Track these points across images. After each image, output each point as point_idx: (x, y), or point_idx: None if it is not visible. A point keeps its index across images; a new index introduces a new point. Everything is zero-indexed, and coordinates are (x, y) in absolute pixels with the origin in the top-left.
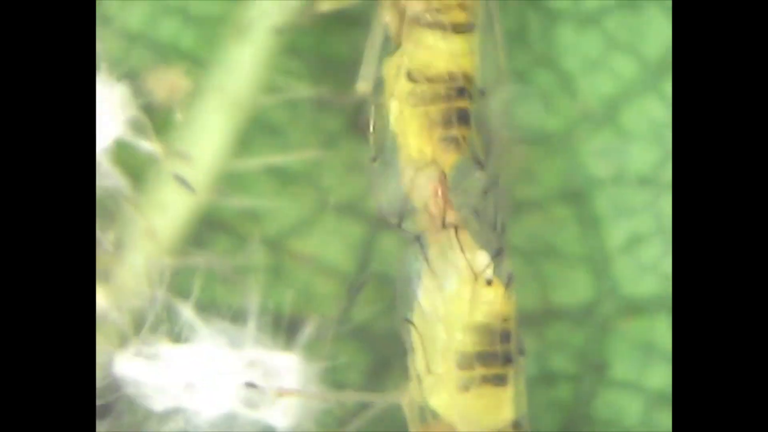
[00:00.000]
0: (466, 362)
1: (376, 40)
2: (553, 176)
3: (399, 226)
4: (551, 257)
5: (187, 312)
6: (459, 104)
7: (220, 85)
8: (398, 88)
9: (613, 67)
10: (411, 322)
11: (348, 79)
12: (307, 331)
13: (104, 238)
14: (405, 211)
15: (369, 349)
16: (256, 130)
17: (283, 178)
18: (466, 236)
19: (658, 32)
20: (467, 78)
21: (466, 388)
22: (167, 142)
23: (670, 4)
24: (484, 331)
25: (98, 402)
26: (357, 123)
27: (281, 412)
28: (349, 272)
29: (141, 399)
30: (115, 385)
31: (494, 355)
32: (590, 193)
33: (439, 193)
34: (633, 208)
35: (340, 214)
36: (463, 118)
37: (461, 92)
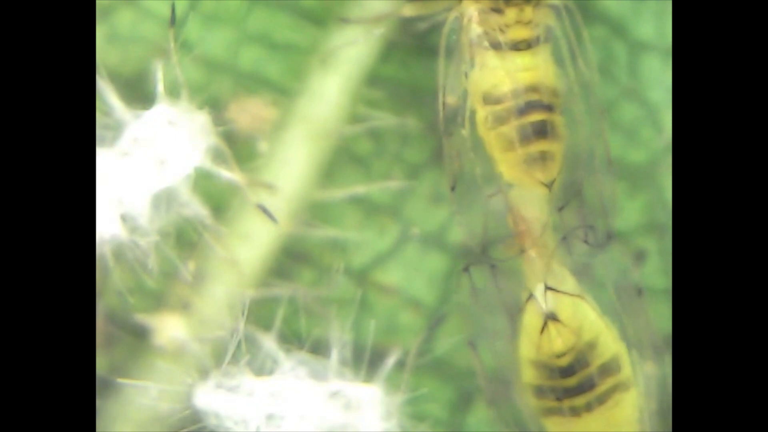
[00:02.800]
0: (538, 393)
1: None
2: (637, 209)
3: (483, 253)
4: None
5: (269, 343)
6: (532, 118)
7: (304, 114)
8: (479, 112)
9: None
10: (474, 347)
11: (431, 108)
12: (389, 362)
13: (184, 269)
14: (488, 238)
15: (450, 381)
16: (339, 160)
17: (366, 208)
18: (541, 263)
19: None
20: (535, 91)
21: (545, 416)
22: (250, 172)
23: None
24: (544, 367)
25: None
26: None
27: None
28: (432, 304)
29: (222, 431)
30: (196, 417)
31: (561, 389)
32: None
33: (518, 218)
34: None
35: (423, 245)
36: (540, 131)
37: (532, 106)
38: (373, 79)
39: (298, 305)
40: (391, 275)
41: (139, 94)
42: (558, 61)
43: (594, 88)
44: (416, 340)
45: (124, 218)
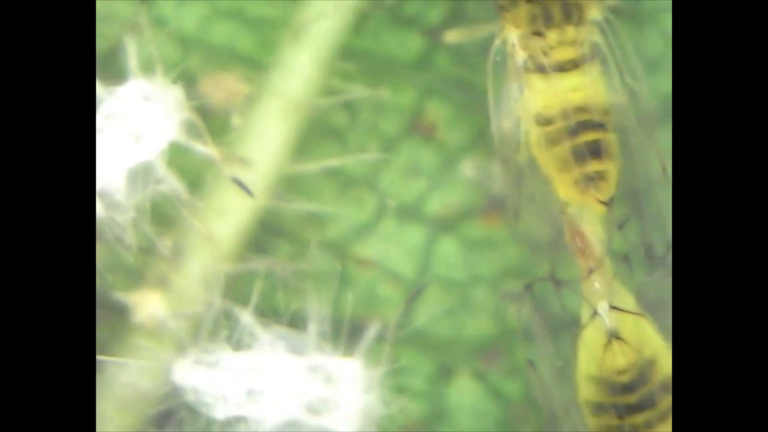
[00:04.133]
0: (598, 411)
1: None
2: None
3: (549, 274)
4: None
5: (246, 318)
6: (585, 138)
7: (278, 88)
8: (532, 133)
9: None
10: (533, 365)
11: (403, 80)
12: (369, 335)
13: (161, 245)
14: (554, 257)
15: (430, 353)
16: (314, 133)
17: (342, 181)
18: (603, 282)
19: None
20: (585, 111)
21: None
22: (225, 147)
23: None
24: (605, 383)
25: (158, 410)
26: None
27: (344, 419)
28: (410, 276)
29: (202, 407)
30: (175, 394)
31: (623, 406)
32: None
33: (578, 237)
34: None
35: (400, 217)
36: (595, 150)
37: (583, 126)
38: (345, 51)
39: (276, 279)
40: (369, 248)
41: (113, 70)
42: (607, 76)
43: (643, 99)
44: (396, 312)
45: (101, 195)
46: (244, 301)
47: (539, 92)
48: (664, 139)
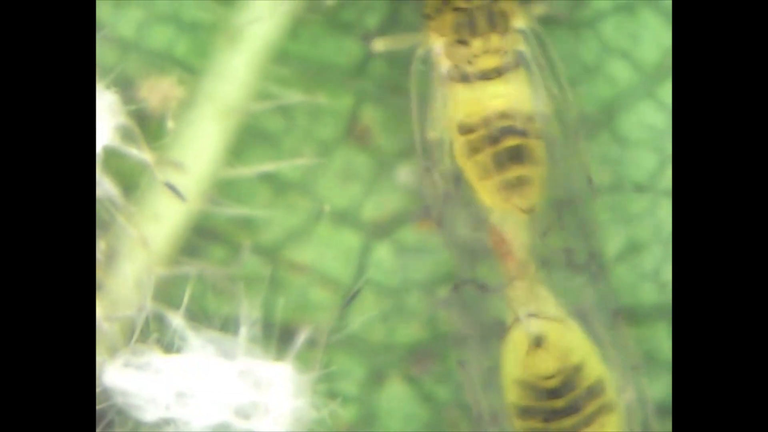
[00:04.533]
0: (524, 414)
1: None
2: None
3: (473, 280)
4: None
5: (177, 321)
6: (506, 144)
7: (212, 92)
8: (456, 142)
9: (609, 73)
10: (463, 365)
11: (339, 86)
12: (300, 340)
13: (96, 248)
14: (478, 263)
15: (363, 358)
16: (249, 137)
17: (276, 186)
18: (525, 287)
19: (654, 37)
20: (507, 117)
21: None
22: (160, 151)
23: (666, 8)
24: (530, 387)
25: None
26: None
27: (274, 423)
28: (344, 281)
29: (131, 409)
30: (105, 395)
31: (549, 410)
32: None
33: (502, 243)
34: (631, 216)
35: (335, 222)
36: (515, 156)
37: (505, 132)
38: (281, 56)
39: (207, 283)
40: (303, 253)
41: None
42: (531, 85)
43: (568, 109)
44: (328, 317)
45: None
46: (175, 305)
47: (462, 101)
48: (597, 147)
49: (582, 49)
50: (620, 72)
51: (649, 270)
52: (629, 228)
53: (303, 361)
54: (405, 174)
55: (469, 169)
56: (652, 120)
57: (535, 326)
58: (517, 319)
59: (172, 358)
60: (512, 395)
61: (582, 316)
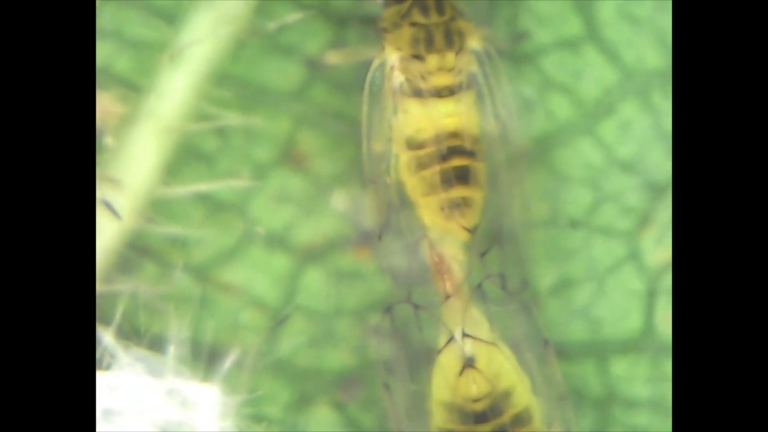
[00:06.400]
0: None
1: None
2: None
3: (406, 298)
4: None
5: (108, 339)
6: (454, 163)
7: (152, 111)
8: (402, 157)
9: (548, 107)
10: (388, 388)
11: (277, 109)
12: (228, 362)
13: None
14: (414, 282)
15: (291, 382)
16: (185, 157)
17: (211, 206)
18: (460, 308)
19: (596, 75)
20: (457, 137)
21: None
22: (96, 167)
23: (606, 44)
24: (457, 410)
25: None
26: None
27: None
28: (275, 304)
29: None
30: None
31: None
32: None
33: (439, 262)
34: (564, 252)
35: (268, 245)
36: (462, 176)
37: (454, 151)
38: (221, 77)
39: (139, 301)
40: (234, 274)
41: None
42: (480, 107)
43: (513, 135)
44: (257, 339)
45: None
46: (106, 321)
47: (413, 116)
48: (533, 181)
49: (522, 82)
50: (560, 107)
51: (580, 307)
52: (562, 264)
53: (230, 383)
54: (341, 199)
55: (413, 185)
56: (589, 157)
57: (469, 347)
58: (451, 339)
59: (101, 374)
60: (438, 418)
61: (512, 344)
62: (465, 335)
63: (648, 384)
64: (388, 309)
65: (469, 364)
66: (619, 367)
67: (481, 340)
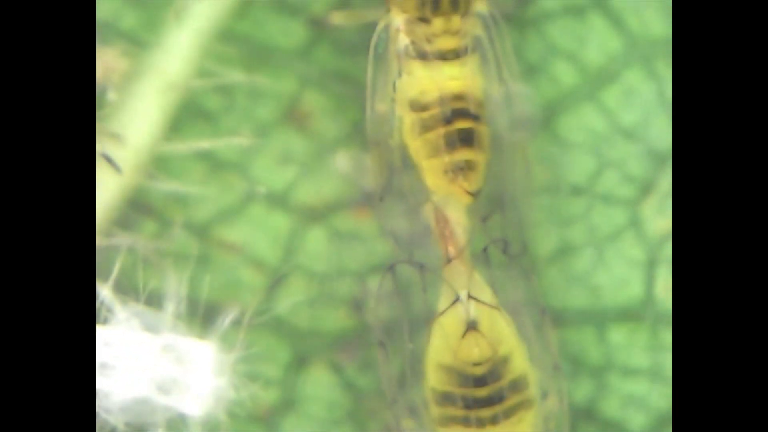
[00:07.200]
0: (443, 400)
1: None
2: None
3: (409, 259)
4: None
5: (105, 293)
6: (458, 125)
7: (155, 67)
8: (406, 119)
9: (552, 73)
10: (384, 346)
11: (282, 68)
12: (225, 319)
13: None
14: (415, 244)
15: (287, 342)
16: (188, 114)
17: (212, 164)
18: (464, 271)
19: (601, 41)
20: (462, 99)
21: (444, 424)
22: (100, 122)
23: (612, 11)
24: (456, 373)
25: None
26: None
27: (193, 400)
28: (274, 264)
29: None
30: None
31: (471, 398)
32: None
33: (443, 225)
34: (565, 218)
35: (269, 204)
36: (466, 139)
37: (458, 114)
38: (227, 35)
39: (138, 257)
40: (234, 232)
41: None
42: (485, 71)
43: (517, 99)
44: (255, 298)
45: None
46: (104, 276)
47: (418, 78)
48: (536, 146)
49: (527, 47)
50: (564, 73)
51: (580, 274)
52: (563, 230)
53: (227, 341)
54: (343, 161)
55: (417, 147)
56: (592, 123)
57: (472, 310)
58: (457, 300)
59: (98, 329)
60: (434, 380)
61: (511, 310)
62: (470, 297)
63: (646, 353)
64: (390, 267)
65: (472, 327)
66: (618, 335)
67: (485, 303)
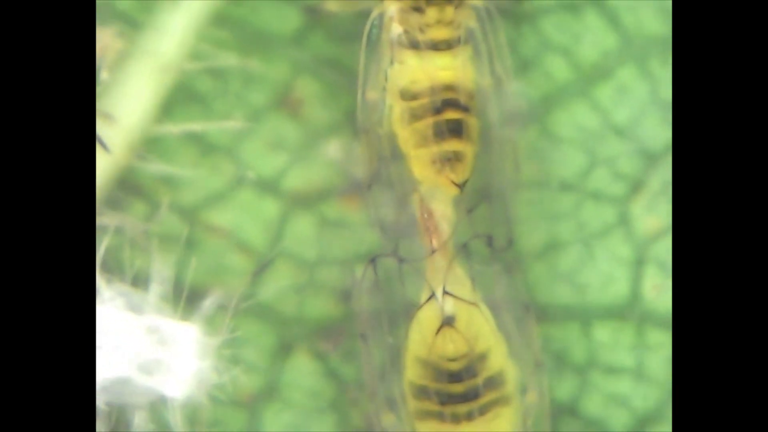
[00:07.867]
0: (420, 394)
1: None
2: None
3: (395, 251)
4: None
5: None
6: (448, 116)
7: (149, 48)
8: (395, 108)
9: (546, 68)
10: (366, 339)
11: (275, 54)
12: (210, 303)
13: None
14: (401, 234)
15: (271, 327)
16: (180, 96)
17: (203, 147)
18: (443, 265)
19: (595, 38)
20: (452, 90)
21: (421, 418)
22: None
23: (607, 8)
24: (432, 367)
25: None
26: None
27: (175, 383)
28: (260, 249)
29: None
30: None
31: (446, 393)
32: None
33: (428, 216)
34: (553, 214)
35: (258, 189)
36: (455, 130)
37: (449, 104)
38: (221, 19)
39: (125, 237)
40: (222, 216)
41: None
42: (477, 63)
43: (508, 92)
44: (241, 283)
45: None
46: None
47: (409, 67)
48: (526, 141)
49: (521, 42)
50: (558, 69)
51: (567, 270)
52: (551, 226)
53: (211, 324)
54: (334, 148)
55: (406, 137)
56: (584, 120)
57: (449, 306)
58: (432, 296)
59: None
60: (412, 374)
61: (493, 306)
62: (446, 293)
63: (631, 352)
64: (372, 260)
65: (447, 322)
66: (603, 333)
67: (462, 299)
